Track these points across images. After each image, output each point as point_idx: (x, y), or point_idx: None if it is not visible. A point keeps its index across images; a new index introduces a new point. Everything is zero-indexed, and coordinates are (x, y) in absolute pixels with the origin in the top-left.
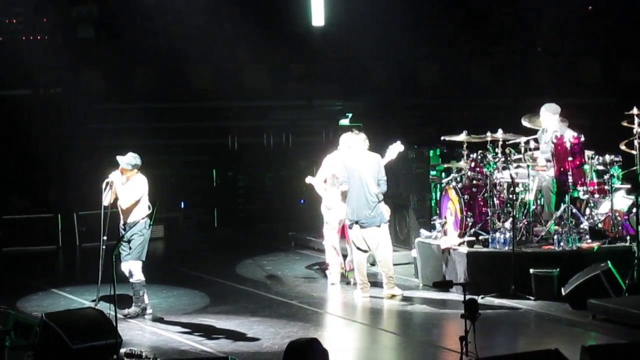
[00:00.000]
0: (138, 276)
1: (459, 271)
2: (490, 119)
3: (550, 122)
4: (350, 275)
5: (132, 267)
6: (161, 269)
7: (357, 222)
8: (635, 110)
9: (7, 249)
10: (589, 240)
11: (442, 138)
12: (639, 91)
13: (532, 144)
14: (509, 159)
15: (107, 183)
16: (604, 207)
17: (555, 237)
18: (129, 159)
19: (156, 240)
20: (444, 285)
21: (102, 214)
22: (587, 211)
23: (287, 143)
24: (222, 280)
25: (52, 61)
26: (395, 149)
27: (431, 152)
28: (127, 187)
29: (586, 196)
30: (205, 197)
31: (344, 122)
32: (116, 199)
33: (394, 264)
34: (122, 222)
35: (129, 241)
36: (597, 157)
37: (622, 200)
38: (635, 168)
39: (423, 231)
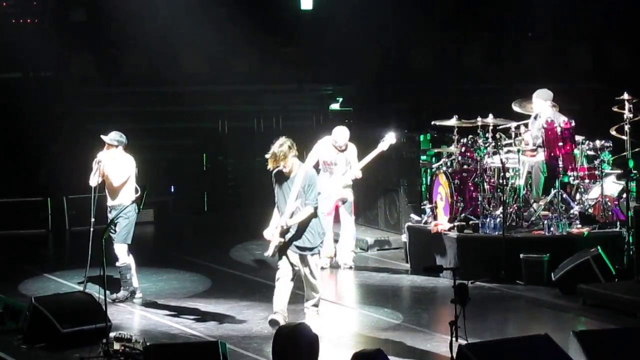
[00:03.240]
0: (123, 259)
1: (449, 256)
2: (481, 104)
3: (542, 108)
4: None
5: (118, 250)
6: (151, 253)
7: None
8: (625, 96)
9: None
10: (579, 226)
11: (432, 123)
12: (629, 77)
13: (522, 129)
14: (499, 144)
15: (97, 162)
16: (594, 193)
17: (546, 222)
18: (113, 135)
19: (146, 224)
20: (434, 269)
21: (92, 195)
22: (578, 196)
23: (277, 127)
24: (212, 265)
25: (42, 44)
26: (389, 141)
27: (422, 137)
28: (115, 165)
29: (576, 181)
30: (195, 181)
31: (335, 106)
32: (103, 181)
33: (384, 249)
34: (109, 203)
35: (115, 224)
36: (587, 142)
37: (612, 186)
38: (625, 153)
39: (413, 216)
